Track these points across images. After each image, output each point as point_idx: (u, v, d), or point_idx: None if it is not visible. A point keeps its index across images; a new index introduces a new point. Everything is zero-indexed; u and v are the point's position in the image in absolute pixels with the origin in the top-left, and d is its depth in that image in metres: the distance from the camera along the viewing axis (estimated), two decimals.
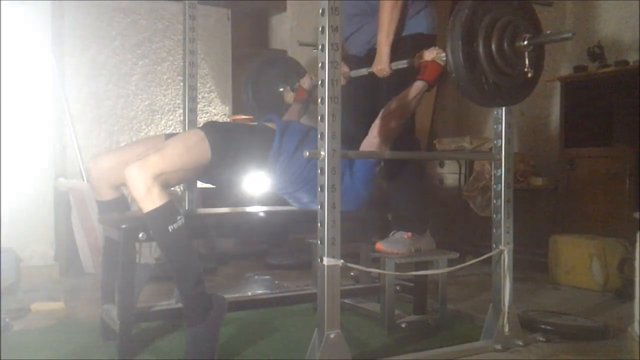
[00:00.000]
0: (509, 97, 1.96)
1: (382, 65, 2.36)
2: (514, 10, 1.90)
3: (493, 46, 1.84)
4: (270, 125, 2.30)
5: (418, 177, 2.57)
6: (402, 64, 2.30)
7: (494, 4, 1.87)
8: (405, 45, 2.40)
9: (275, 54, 3.21)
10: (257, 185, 2.27)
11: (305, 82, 2.79)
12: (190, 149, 1.97)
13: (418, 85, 2.22)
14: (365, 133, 2.28)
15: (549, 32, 1.91)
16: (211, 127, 2.12)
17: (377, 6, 2.40)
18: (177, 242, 1.89)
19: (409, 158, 2.50)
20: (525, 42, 1.86)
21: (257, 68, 2.98)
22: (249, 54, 5.15)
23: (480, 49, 1.82)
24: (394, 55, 2.36)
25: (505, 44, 1.85)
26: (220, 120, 2.48)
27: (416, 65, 2.23)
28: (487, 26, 1.83)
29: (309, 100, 2.82)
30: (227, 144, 2.07)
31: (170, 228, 1.85)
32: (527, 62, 1.87)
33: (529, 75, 1.89)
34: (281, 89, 2.94)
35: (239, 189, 2.29)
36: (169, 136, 2.21)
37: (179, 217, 1.88)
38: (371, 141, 2.25)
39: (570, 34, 1.83)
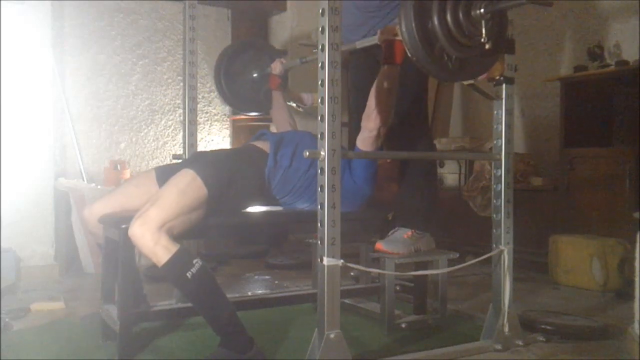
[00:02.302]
0: (475, 69, 1.91)
1: None
2: None
3: (449, 18, 1.76)
4: (258, 143, 2.30)
5: (425, 176, 2.56)
6: (367, 41, 2.27)
7: None
8: None
9: (246, 41, 3.15)
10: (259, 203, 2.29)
11: (276, 68, 2.76)
12: (185, 191, 1.95)
13: (388, 71, 2.16)
14: None
15: None
16: (200, 163, 2.10)
17: (379, 5, 2.43)
18: (199, 286, 1.89)
19: (409, 158, 2.50)
20: (482, 10, 1.79)
21: (227, 55, 2.92)
22: None
23: (436, 23, 1.75)
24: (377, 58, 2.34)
25: (461, 15, 1.77)
26: (206, 150, 2.50)
27: (380, 42, 2.17)
28: (440, 1, 1.75)
29: (285, 83, 2.81)
30: (219, 176, 2.06)
31: (188, 275, 1.85)
32: (483, 31, 1.79)
33: (487, 46, 1.81)
34: (255, 75, 2.89)
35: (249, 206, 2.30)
36: (158, 170, 2.22)
37: (195, 261, 1.87)
38: (365, 137, 2.23)
39: (524, 0, 1.77)
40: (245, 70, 2.93)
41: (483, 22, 1.79)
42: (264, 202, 2.28)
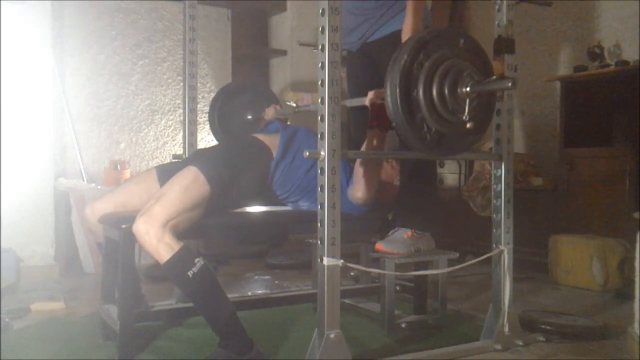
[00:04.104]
0: (453, 147, 1.89)
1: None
2: (460, 54, 1.82)
3: (434, 93, 1.76)
4: (261, 136, 2.30)
5: (425, 176, 2.56)
6: (356, 101, 2.26)
7: (436, 47, 1.78)
8: (395, 41, 2.39)
9: (246, 82, 3.11)
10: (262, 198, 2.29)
11: (269, 114, 2.73)
12: (188, 188, 1.96)
13: (376, 134, 2.13)
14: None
15: (493, 77, 1.84)
16: (202, 160, 2.10)
17: (374, 6, 2.44)
18: (200, 285, 1.89)
19: (409, 158, 2.50)
20: (468, 89, 1.79)
21: (225, 93, 2.90)
22: (249, 54, 5.15)
23: (420, 93, 1.75)
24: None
25: (447, 91, 1.77)
26: (207, 147, 2.52)
27: (367, 104, 2.14)
28: (428, 72, 1.75)
29: None
30: (221, 173, 2.07)
31: (190, 273, 1.85)
32: (466, 109, 1.78)
33: (468, 125, 1.80)
34: (249, 117, 2.86)
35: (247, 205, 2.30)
36: (159, 169, 2.22)
37: (197, 260, 1.87)
38: (354, 191, 2.19)
39: (510, 84, 1.77)
40: (240, 110, 2.89)
41: (468, 100, 1.79)
42: (265, 198, 2.28)
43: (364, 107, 2.22)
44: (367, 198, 2.19)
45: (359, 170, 2.17)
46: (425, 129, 1.78)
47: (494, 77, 2.09)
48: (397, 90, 1.72)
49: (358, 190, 2.18)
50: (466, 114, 1.79)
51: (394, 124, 1.79)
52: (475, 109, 1.82)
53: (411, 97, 1.75)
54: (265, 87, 3.11)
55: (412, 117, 1.76)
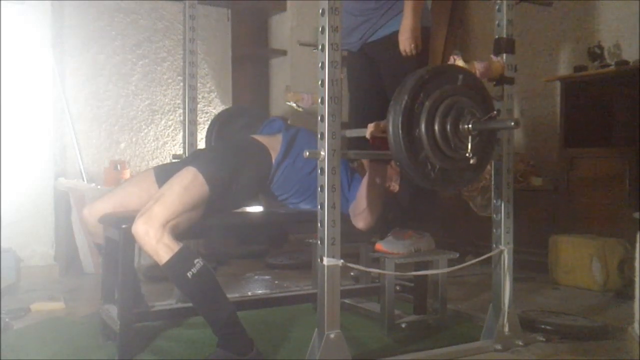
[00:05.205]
0: (457, 181, 1.90)
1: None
2: (460, 90, 1.83)
3: (436, 131, 1.78)
4: (260, 137, 2.29)
5: None
6: (356, 132, 2.26)
7: (436, 85, 1.79)
8: (395, 41, 2.39)
9: (243, 107, 3.12)
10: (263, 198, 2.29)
11: None
12: (188, 188, 1.96)
13: (378, 167, 2.16)
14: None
15: (495, 112, 1.86)
16: (201, 160, 2.10)
17: (374, 6, 2.43)
18: (199, 286, 1.89)
19: None
20: (470, 126, 1.80)
21: (222, 118, 2.86)
22: (249, 54, 5.15)
23: (423, 132, 1.76)
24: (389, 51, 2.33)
25: (449, 129, 1.79)
26: (206, 148, 2.53)
27: (367, 136, 2.11)
28: (429, 110, 1.77)
29: None
30: (221, 174, 2.07)
31: (189, 274, 1.85)
32: (469, 146, 1.80)
33: (471, 161, 1.82)
34: None
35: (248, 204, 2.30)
36: (157, 169, 2.22)
37: (196, 261, 1.87)
38: (357, 220, 2.23)
39: (512, 123, 1.80)
40: (237, 134, 2.89)
41: (470, 137, 1.81)
42: (264, 199, 2.29)
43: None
44: (369, 228, 2.23)
45: (362, 202, 2.19)
46: (429, 166, 1.80)
47: (497, 76, 2.09)
48: (400, 130, 1.74)
49: (360, 221, 2.22)
50: (469, 150, 1.81)
51: (397, 163, 1.80)
52: (477, 144, 1.84)
53: (413, 136, 1.77)
54: (262, 111, 3.10)
55: (415, 155, 1.77)
